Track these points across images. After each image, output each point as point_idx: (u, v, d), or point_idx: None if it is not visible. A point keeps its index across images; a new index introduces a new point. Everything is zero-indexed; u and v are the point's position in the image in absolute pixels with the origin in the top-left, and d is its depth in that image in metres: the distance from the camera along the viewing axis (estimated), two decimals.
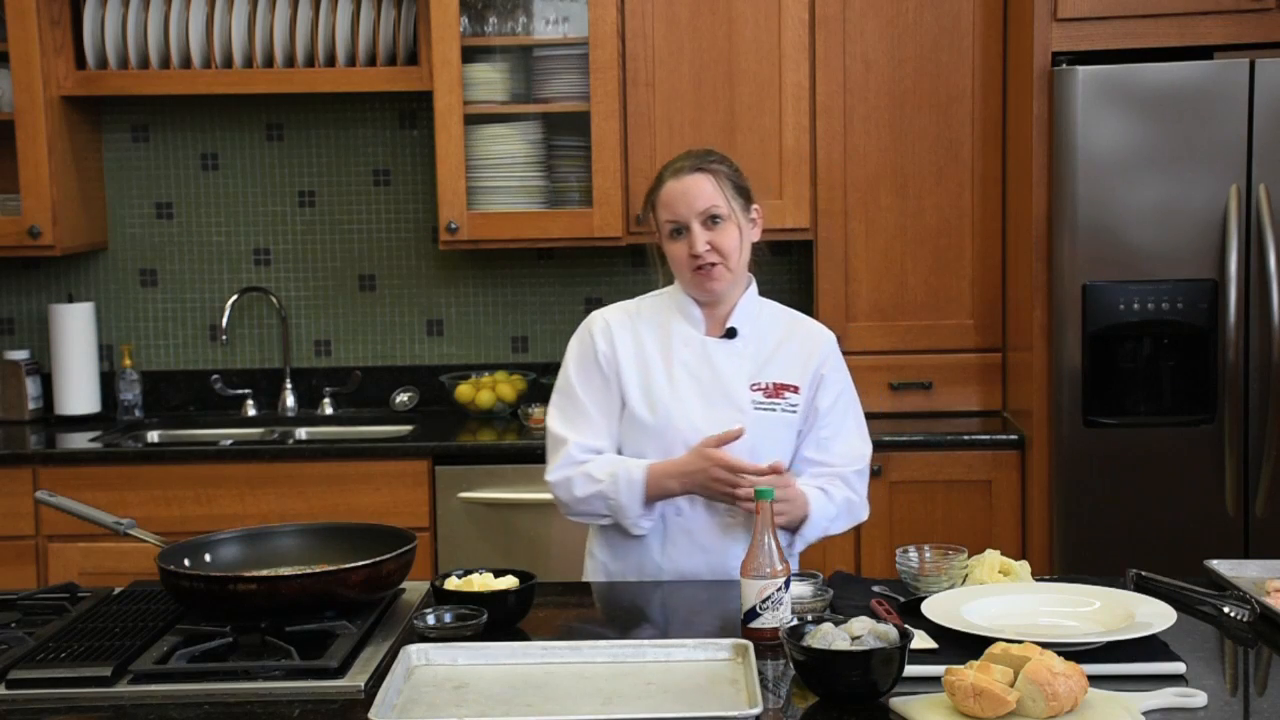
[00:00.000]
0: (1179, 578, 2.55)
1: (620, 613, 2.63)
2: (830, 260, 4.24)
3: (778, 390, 2.77)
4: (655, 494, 2.72)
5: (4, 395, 4.54)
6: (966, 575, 2.51)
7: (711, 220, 2.73)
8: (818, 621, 2.12)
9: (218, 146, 4.65)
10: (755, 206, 2.81)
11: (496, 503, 4.04)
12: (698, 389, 2.77)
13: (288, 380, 4.63)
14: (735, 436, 2.67)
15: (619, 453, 2.81)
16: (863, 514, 2.86)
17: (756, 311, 2.84)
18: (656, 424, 2.75)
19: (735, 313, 2.81)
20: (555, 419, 2.84)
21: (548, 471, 2.81)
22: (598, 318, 2.87)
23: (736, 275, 2.78)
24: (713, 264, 2.72)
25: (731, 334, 2.81)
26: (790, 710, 2.07)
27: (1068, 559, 3.86)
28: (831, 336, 2.88)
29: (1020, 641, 2.06)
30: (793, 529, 2.74)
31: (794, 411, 2.79)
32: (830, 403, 2.82)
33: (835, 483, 2.80)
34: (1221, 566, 2.60)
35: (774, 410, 2.77)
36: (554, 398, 2.87)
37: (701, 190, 2.72)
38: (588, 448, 2.78)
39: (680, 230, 2.74)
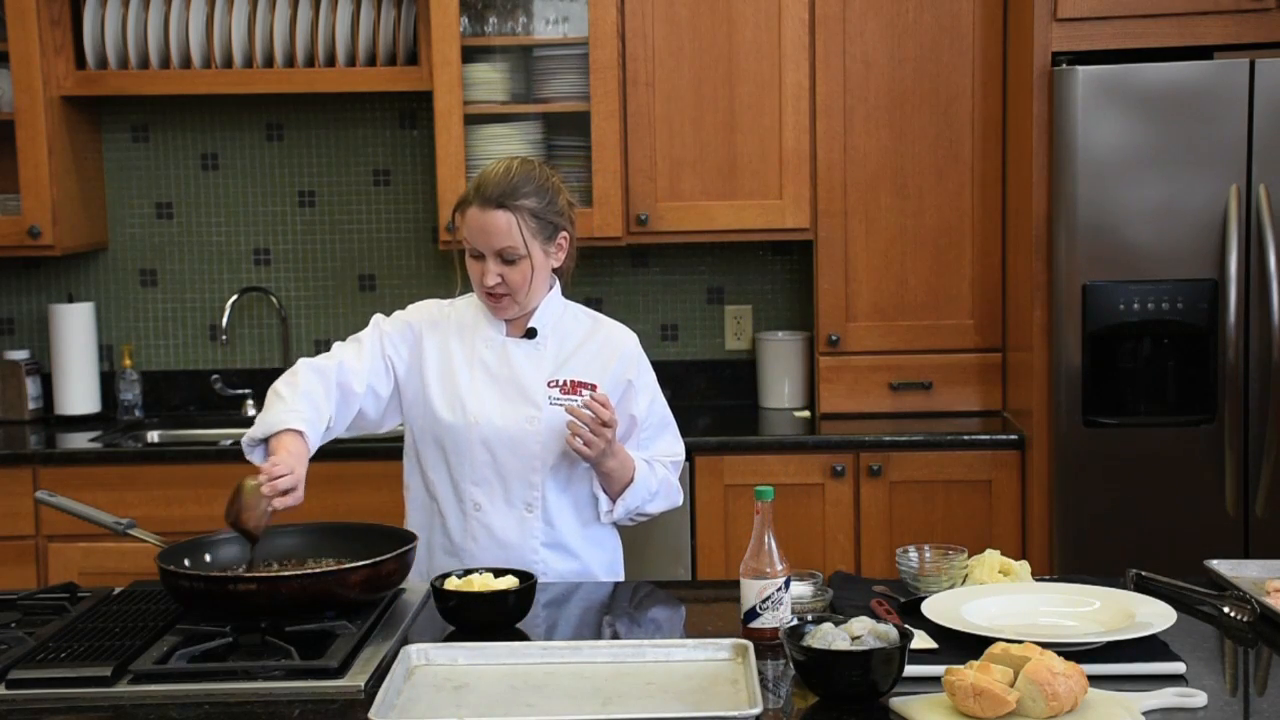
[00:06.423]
0: (1179, 578, 2.55)
1: (620, 612, 2.63)
2: (830, 260, 4.24)
3: (574, 387, 2.84)
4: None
5: (4, 395, 4.54)
6: (966, 575, 2.51)
7: (505, 259, 2.78)
8: (818, 621, 2.13)
9: (218, 146, 4.65)
10: (563, 233, 2.86)
11: None
12: (495, 387, 2.84)
13: None
14: None
15: (416, 455, 2.88)
16: (678, 498, 2.97)
17: (559, 313, 2.92)
18: (455, 422, 2.82)
19: (536, 315, 2.88)
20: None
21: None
22: (415, 314, 2.92)
23: (525, 304, 2.84)
24: (502, 294, 2.80)
25: (531, 334, 2.88)
26: (790, 710, 2.07)
27: (1068, 559, 3.85)
28: (633, 338, 2.96)
29: (1020, 641, 2.06)
30: (615, 492, 2.83)
31: None
32: (645, 410, 2.92)
33: (655, 463, 2.90)
34: (1221, 566, 2.60)
35: (571, 405, 2.79)
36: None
37: (499, 229, 2.76)
38: (344, 364, 2.79)
39: (478, 255, 2.81)
